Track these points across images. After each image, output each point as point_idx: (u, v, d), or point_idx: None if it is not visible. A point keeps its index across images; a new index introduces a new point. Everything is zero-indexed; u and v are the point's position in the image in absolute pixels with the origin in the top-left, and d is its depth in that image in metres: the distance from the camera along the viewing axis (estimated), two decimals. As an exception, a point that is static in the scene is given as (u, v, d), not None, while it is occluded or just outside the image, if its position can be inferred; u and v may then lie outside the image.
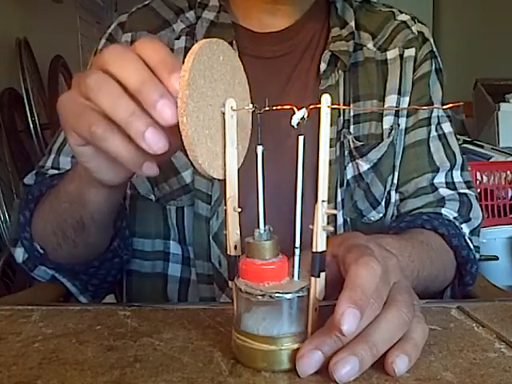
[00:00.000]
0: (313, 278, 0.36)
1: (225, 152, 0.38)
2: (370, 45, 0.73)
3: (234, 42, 0.69)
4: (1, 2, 2.07)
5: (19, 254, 0.64)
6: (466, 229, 0.69)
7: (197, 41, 0.71)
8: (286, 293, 0.35)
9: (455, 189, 0.72)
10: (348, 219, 0.70)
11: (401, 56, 0.73)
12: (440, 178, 0.72)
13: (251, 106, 0.39)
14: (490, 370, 0.36)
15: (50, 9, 2.45)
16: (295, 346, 0.36)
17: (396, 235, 0.62)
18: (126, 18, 0.75)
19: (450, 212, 0.69)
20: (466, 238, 0.68)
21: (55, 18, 2.48)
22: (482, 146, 1.76)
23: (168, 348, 0.40)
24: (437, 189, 0.71)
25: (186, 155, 0.36)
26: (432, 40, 0.76)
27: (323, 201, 0.35)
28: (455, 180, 0.73)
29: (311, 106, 0.35)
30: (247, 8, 0.72)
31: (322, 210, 0.35)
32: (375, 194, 0.70)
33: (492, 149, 1.76)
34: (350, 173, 0.70)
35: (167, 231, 0.70)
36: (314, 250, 0.36)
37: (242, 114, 0.40)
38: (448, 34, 2.79)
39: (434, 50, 0.76)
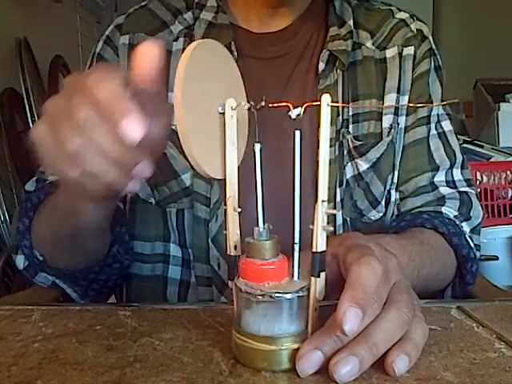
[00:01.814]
0: (313, 278, 0.36)
1: (224, 152, 0.38)
2: (369, 43, 0.73)
3: (233, 42, 0.68)
4: (1, 2, 2.07)
5: (20, 261, 0.64)
6: (466, 227, 0.69)
7: None
8: (286, 293, 0.35)
9: (455, 187, 0.72)
10: (348, 219, 0.70)
11: (400, 54, 0.72)
12: (440, 177, 0.72)
13: (247, 104, 0.39)
14: (490, 370, 0.36)
15: (50, 9, 2.45)
16: (295, 345, 0.36)
17: (396, 235, 0.62)
18: (123, 20, 0.74)
19: (450, 211, 0.69)
20: (467, 236, 0.68)
21: (55, 17, 2.48)
22: (481, 146, 1.76)
23: (168, 348, 0.40)
24: (437, 187, 0.71)
25: (185, 155, 0.36)
26: (431, 38, 0.75)
27: (323, 201, 0.35)
28: (455, 178, 0.73)
29: (310, 104, 0.35)
30: (246, 10, 0.72)
31: (322, 210, 0.35)
32: (375, 193, 0.70)
33: (492, 149, 1.76)
34: (349, 172, 0.70)
35: (167, 234, 0.70)
36: (313, 249, 0.36)
37: (239, 116, 0.40)
38: (448, 34, 2.79)
39: (434, 47, 0.75)
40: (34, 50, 2.22)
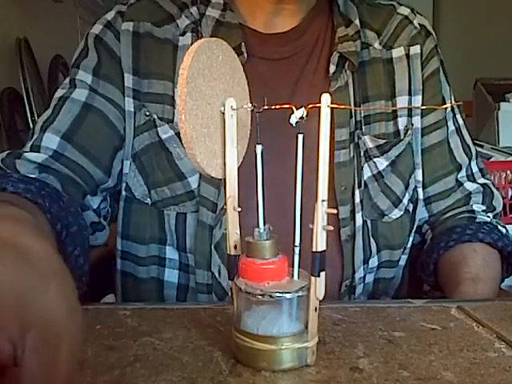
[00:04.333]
0: (313, 278, 0.36)
1: (224, 151, 0.38)
2: (377, 44, 0.72)
3: (243, 43, 0.67)
4: (1, 2, 2.07)
5: None
6: (491, 216, 0.74)
7: None
8: (286, 292, 0.35)
9: (474, 179, 0.76)
10: (368, 220, 0.70)
11: (407, 55, 0.73)
12: (462, 173, 0.75)
13: (250, 104, 0.39)
14: (490, 370, 0.36)
15: (50, 9, 2.45)
16: (295, 345, 0.36)
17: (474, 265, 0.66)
18: (125, 9, 0.72)
19: (478, 206, 0.74)
20: (499, 227, 0.71)
21: (55, 17, 2.48)
22: (481, 146, 1.76)
23: (168, 347, 0.40)
24: (462, 184, 0.75)
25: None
26: (433, 32, 0.76)
27: (323, 200, 0.35)
28: (473, 170, 0.77)
29: (314, 105, 0.35)
30: (251, 7, 0.70)
31: (321, 210, 0.35)
32: (396, 192, 0.71)
33: (492, 149, 1.75)
34: (366, 173, 0.70)
35: (163, 236, 0.68)
36: (313, 249, 0.36)
37: (242, 114, 0.40)
38: (448, 34, 2.79)
39: (436, 42, 0.76)
40: (34, 50, 2.21)
